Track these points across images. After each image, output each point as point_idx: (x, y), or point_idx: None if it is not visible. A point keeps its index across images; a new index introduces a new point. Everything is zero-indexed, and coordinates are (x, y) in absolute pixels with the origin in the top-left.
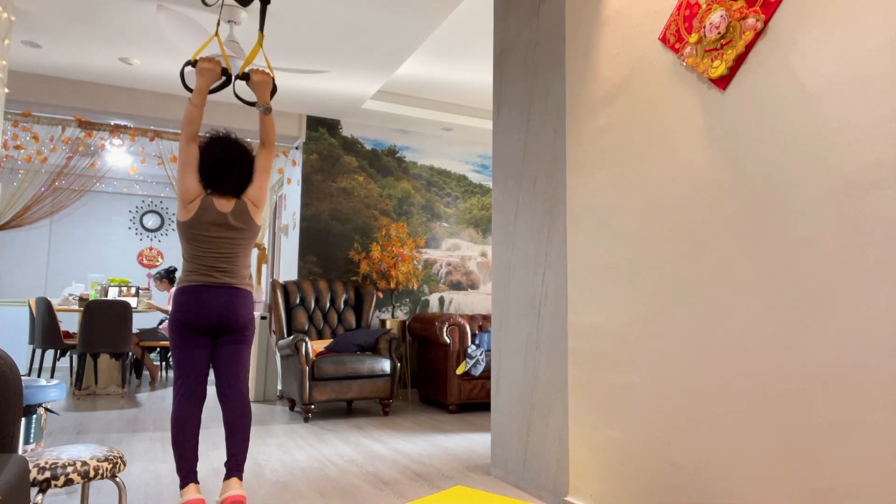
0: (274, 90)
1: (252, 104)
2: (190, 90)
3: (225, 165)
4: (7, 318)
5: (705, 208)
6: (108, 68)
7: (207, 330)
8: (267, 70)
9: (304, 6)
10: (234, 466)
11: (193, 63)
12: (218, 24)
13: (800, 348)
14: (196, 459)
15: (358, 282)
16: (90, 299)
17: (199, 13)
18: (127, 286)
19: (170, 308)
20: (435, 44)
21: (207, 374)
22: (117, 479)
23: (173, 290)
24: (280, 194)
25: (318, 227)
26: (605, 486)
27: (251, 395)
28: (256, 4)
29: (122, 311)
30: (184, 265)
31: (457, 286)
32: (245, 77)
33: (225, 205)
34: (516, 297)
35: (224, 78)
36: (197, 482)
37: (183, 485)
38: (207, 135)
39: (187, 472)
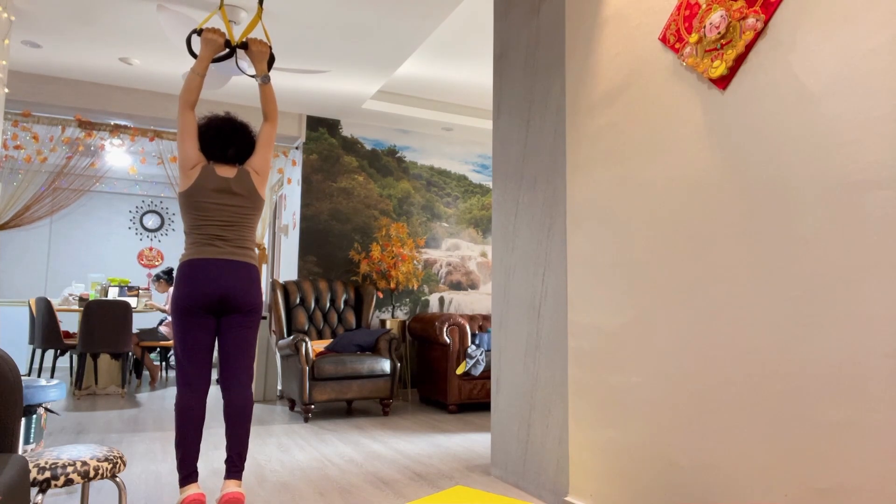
0: (272, 60)
1: (252, 76)
2: (195, 56)
3: (226, 134)
4: (7, 318)
5: (705, 208)
6: (108, 68)
7: (211, 307)
8: (265, 40)
9: (304, 6)
10: (233, 466)
11: (199, 32)
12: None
13: (800, 348)
14: (197, 455)
15: (358, 282)
16: (90, 299)
17: (199, 13)
18: (128, 286)
19: (167, 306)
20: (435, 44)
21: (211, 359)
22: (117, 479)
23: (171, 289)
24: (280, 194)
25: (318, 227)
26: (605, 486)
27: None
28: None
29: (122, 311)
30: (186, 241)
31: (457, 286)
32: (243, 46)
33: (227, 171)
34: (516, 297)
35: (227, 49)
36: (197, 481)
37: (183, 484)
38: (206, 116)
39: (188, 471)
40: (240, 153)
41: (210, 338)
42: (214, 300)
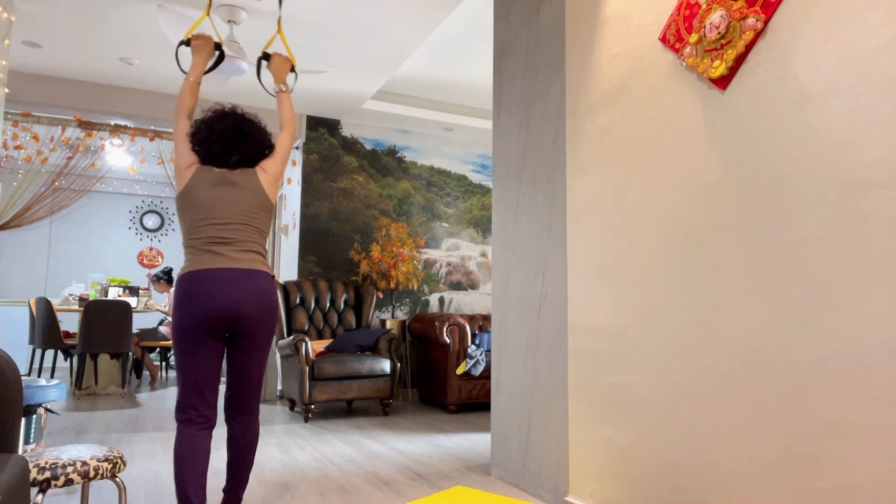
0: (293, 73)
1: (270, 93)
2: (184, 71)
3: (230, 140)
4: (7, 318)
5: (705, 208)
6: (108, 68)
7: (216, 329)
8: (289, 58)
9: (304, 6)
10: (234, 498)
11: (187, 43)
12: (209, 3)
13: (800, 348)
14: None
15: (358, 282)
16: (90, 299)
17: (199, 13)
18: (128, 286)
19: (168, 307)
20: (435, 44)
21: (217, 386)
22: (117, 479)
23: (173, 289)
24: (280, 194)
25: (318, 227)
26: (605, 486)
27: None
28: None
29: (122, 311)
30: (185, 251)
31: (457, 286)
32: (266, 58)
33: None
34: (516, 297)
35: (217, 53)
36: None
37: None
38: (211, 110)
39: None
40: (246, 159)
41: (216, 364)
42: (220, 321)
